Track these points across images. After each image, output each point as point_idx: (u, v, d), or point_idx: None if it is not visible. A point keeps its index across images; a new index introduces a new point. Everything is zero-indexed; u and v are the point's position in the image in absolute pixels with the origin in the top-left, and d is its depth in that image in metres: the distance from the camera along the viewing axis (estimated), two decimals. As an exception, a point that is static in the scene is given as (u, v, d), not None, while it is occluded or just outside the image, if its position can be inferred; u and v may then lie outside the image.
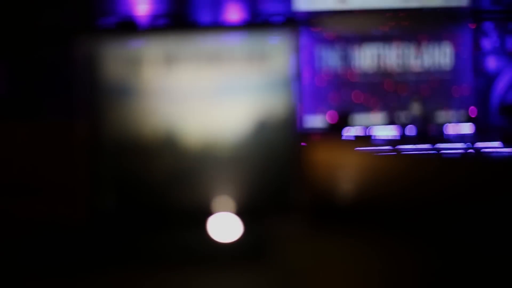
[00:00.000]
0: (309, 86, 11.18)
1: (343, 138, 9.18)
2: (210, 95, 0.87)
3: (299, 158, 0.90)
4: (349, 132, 9.83)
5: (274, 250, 0.77)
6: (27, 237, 0.82)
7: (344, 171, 0.94)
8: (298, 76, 0.86)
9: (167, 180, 0.87)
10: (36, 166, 1.09)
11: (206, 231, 0.84)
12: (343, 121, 9.57)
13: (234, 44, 0.88)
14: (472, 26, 11.51)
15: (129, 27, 1.05)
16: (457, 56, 11.93)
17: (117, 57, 0.89)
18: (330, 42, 11.48)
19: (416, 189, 0.91)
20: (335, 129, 9.15)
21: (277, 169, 0.89)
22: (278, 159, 0.88)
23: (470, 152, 8.84)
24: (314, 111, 10.67)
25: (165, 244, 0.80)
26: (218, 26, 0.92)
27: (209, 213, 0.87)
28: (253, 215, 0.88)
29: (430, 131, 9.70)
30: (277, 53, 0.88)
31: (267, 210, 0.88)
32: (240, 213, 0.87)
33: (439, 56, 12.12)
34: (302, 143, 0.91)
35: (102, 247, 0.80)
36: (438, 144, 9.18)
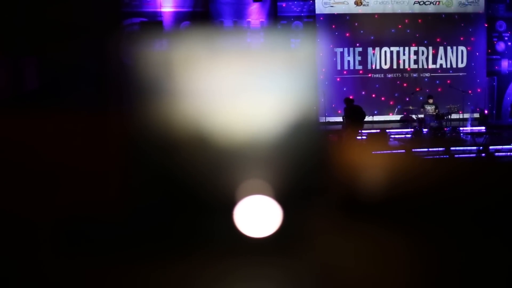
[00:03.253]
0: (328, 86, 11.08)
1: (361, 137, 9.11)
2: (239, 93, 0.88)
3: (327, 156, 0.91)
4: (367, 131, 9.76)
5: (303, 244, 0.78)
6: (64, 223, 0.83)
7: (368, 169, 0.95)
8: (320, 76, 0.88)
9: (200, 172, 0.88)
10: (73, 155, 1.11)
11: (236, 225, 0.84)
12: (361, 121, 9.52)
13: (262, 45, 0.89)
14: (487, 29, 11.41)
15: (158, 26, 1.06)
16: (472, 58, 11.83)
17: (147, 54, 0.89)
18: (349, 43, 11.44)
19: (435, 188, 0.92)
20: (352, 128, 9.09)
21: (305, 166, 0.90)
22: (306, 156, 0.89)
23: (483, 155, 8.70)
24: (333, 110, 10.60)
25: (194, 237, 0.81)
26: (244, 27, 0.93)
27: (240, 204, 0.88)
28: (283, 209, 0.89)
29: (444, 131, 9.61)
30: (300, 54, 0.89)
31: (296, 205, 0.89)
32: (270, 207, 0.88)
33: (454, 58, 12.03)
34: (329, 141, 0.93)
35: (133, 238, 0.80)
36: (451, 145, 9.06)
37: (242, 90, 0.91)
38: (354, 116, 8.75)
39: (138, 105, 0.91)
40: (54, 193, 1.03)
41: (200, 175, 0.89)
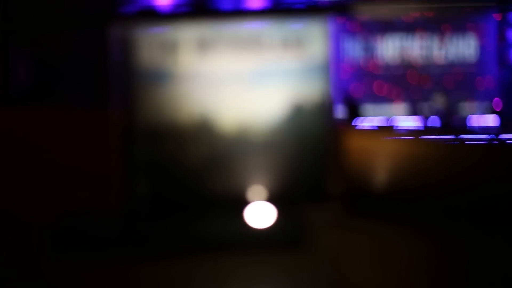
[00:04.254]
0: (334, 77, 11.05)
1: (368, 128, 9.15)
2: (244, 81, 0.86)
3: (334, 145, 0.89)
4: (372, 122, 9.78)
5: (309, 238, 0.76)
6: (61, 222, 0.82)
7: (378, 159, 0.92)
8: (330, 63, 0.85)
9: (202, 165, 0.86)
10: (69, 153, 1.09)
11: (240, 217, 0.83)
12: (361, 112, 9.53)
13: (267, 29, 0.87)
14: (497, 17, 11.36)
15: (159, 13, 1.04)
16: (482, 47, 11.77)
17: (150, 43, 0.88)
18: (354, 32, 11.41)
19: (449, 177, 0.89)
20: (354, 119, 9.13)
21: (312, 155, 0.88)
22: (313, 146, 0.87)
23: (494, 143, 8.73)
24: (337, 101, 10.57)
25: (198, 230, 0.79)
26: (251, 11, 0.91)
27: (244, 199, 0.86)
28: (288, 201, 0.87)
29: (453, 123, 9.63)
30: (310, 39, 0.87)
31: (302, 197, 0.87)
32: (275, 199, 0.86)
33: (463, 47, 11.96)
34: (337, 130, 0.90)
35: (136, 233, 0.79)
36: (461, 135, 9.09)
37: (245, 76, 0.90)
38: (353, 112, 8.80)
39: (135, 97, 0.89)
40: (47, 192, 1.02)
41: (203, 169, 0.87)
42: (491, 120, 10.78)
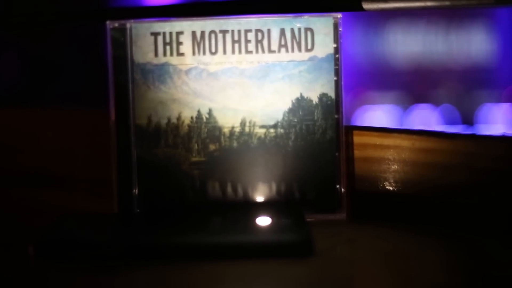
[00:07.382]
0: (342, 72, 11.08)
1: (378, 124, 9.16)
2: (247, 76, 0.86)
3: (343, 143, 0.88)
4: (383, 116, 9.79)
5: (317, 244, 0.75)
6: (52, 229, 0.81)
7: (389, 157, 0.91)
8: (338, 58, 0.84)
9: (204, 166, 0.86)
10: (62, 155, 1.08)
11: (244, 223, 0.82)
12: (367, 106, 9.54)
13: (272, 23, 0.86)
14: None
15: (157, 7, 1.04)
16: (496, 35, 11.81)
17: (148, 38, 0.87)
18: (362, 26, 11.43)
19: (468, 175, 0.87)
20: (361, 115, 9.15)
21: (320, 156, 0.87)
22: (321, 144, 0.87)
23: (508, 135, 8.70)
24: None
25: (199, 236, 0.78)
26: (256, 4, 0.91)
27: (247, 202, 0.85)
28: (294, 204, 0.86)
29: (465, 114, 9.64)
30: (318, 33, 0.86)
31: (309, 199, 0.86)
32: (280, 202, 0.85)
33: (476, 36, 12.00)
34: (346, 129, 0.89)
35: (132, 239, 0.78)
36: (474, 127, 9.08)
37: (249, 71, 0.90)
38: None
39: (131, 94, 0.88)
40: (37, 197, 1.01)
41: (205, 170, 0.87)
42: (504, 110, 10.80)
